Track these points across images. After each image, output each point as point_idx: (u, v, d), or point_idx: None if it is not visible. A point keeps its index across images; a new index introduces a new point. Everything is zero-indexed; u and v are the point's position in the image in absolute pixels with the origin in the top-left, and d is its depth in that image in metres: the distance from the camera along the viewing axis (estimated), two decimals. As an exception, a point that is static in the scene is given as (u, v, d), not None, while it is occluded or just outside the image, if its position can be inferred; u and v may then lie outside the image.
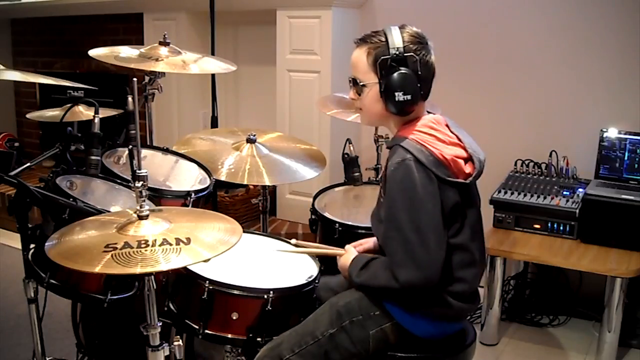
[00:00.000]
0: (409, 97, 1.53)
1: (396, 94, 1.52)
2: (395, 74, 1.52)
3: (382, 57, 1.53)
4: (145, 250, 1.30)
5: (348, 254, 1.70)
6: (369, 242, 1.80)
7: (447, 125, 1.60)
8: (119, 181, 2.06)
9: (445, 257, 1.47)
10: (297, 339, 1.59)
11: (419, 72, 1.53)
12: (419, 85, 1.54)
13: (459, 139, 1.58)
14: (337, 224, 2.18)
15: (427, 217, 1.46)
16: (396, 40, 1.53)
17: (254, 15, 3.73)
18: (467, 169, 1.55)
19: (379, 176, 2.62)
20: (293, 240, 1.88)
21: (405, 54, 1.52)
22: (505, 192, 2.79)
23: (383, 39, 1.55)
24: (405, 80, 1.52)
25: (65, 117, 2.15)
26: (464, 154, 1.56)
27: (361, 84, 1.59)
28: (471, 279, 1.59)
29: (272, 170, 2.31)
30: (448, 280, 1.53)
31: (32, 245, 1.77)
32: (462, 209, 1.54)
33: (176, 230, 1.40)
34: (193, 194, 2.10)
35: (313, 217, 2.30)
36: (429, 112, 1.65)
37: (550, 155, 2.95)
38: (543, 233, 2.71)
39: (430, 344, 1.60)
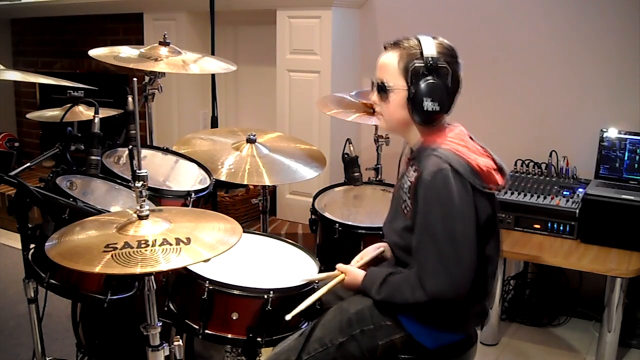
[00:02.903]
0: (437, 106, 1.50)
1: (425, 102, 1.50)
2: (427, 82, 1.50)
3: (416, 64, 1.51)
4: (145, 250, 1.30)
5: (352, 274, 1.65)
6: (367, 255, 1.75)
7: (470, 137, 1.59)
8: (119, 181, 2.05)
9: (477, 269, 1.45)
10: (304, 345, 1.57)
11: (449, 85, 1.52)
12: (447, 97, 1.52)
13: (485, 150, 1.57)
14: (337, 224, 2.18)
15: (462, 228, 1.43)
16: (430, 49, 1.51)
17: (254, 15, 3.73)
18: (499, 179, 1.53)
19: (379, 177, 2.62)
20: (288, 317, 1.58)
21: (439, 64, 1.51)
22: (505, 192, 2.79)
23: (417, 45, 1.53)
24: (435, 89, 1.50)
25: (65, 117, 2.15)
26: (494, 165, 1.55)
27: (388, 88, 1.56)
28: (491, 291, 1.60)
29: (272, 170, 2.31)
30: (477, 293, 1.50)
31: (32, 245, 1.77)
32: (494, 220, 1.53)
33: (176, 230, 1.40)
34: (193, 194, 2.10)
35: (313, 217, 2.30)
36: (448, 124, 1.63)
37: (550, 155, 2.95)
38: (543, 233, 2.71)
39: (436, 350, 1.59)
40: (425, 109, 1.50)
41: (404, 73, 1.53)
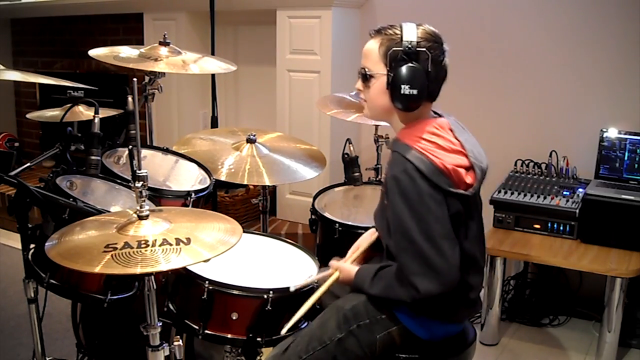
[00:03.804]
0: (415, 91, 1.50)
1: (402, 86, 1.50)
2: (404, 67, 1.50)
3: (394, 49, 1.52)
4: (145, 251, 1.30)
5: (345, 271, 1.65)
6: (363, 242, 1.76)
7: (450, 130, 1.56)
8: (119, 181, 2.06)
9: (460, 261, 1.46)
10: (303, 345, 1.57)
11: (429, 70, 1.51)
12: (427, 82, 1.51)
13: (462, 146, 1.54)
14: (337, 224, 2.18)
15: (436, 224, 1.43)
16: (410, 34, 1.51)
17: (254, 15, 3.73)
18: (468, 179, 1.51)
19: (379, 177, 2.62)
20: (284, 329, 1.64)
21: (418, 49, 1.50)
22: (505, 192, 2.79)
23: (398, 32, 1.53)
24: (413, 74, 1.50)
25: (65, 117, 2.15)
26: (466, 163, 1.52)
27: (369, 74, 1.57)
28: (477, 284, 1.59)
29: (272, 170, 2.31)
30: (460, 286, 1.50)
31: (32, 245, 1.77)
32: (465, 218, 1.52)
33: (176, 231, 1.40)
34: (193, 194, 2.10)
35: (313, 217, 2.30)
36: (435, 113, 1.62)
37: (550, 155, 2.95)
38: (543, 233, 2.71)
39: (433, 345, 1.60)
40: (403, 92, 1.50)
41: (383, 59, 1.54)
